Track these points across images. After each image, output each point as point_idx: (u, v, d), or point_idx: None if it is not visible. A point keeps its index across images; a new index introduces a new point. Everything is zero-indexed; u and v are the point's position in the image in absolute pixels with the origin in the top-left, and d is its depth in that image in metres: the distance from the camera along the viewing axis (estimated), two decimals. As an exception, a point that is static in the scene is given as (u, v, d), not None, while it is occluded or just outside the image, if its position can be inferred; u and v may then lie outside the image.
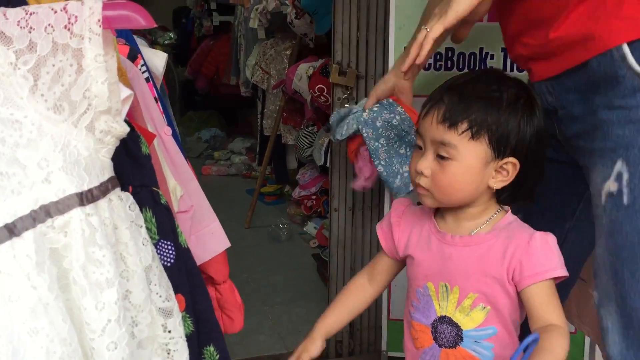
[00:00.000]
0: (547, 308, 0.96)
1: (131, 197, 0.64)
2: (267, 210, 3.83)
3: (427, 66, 1.87)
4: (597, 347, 2.14)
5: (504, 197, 1.03)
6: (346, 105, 1.99)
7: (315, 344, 1.11)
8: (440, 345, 1.06)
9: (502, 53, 1.84)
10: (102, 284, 0.57)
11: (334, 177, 2.17)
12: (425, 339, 1.08)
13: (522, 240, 1.00)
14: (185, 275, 0.73)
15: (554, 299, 0.98)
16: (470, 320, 1.03)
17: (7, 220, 0.53)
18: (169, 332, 0.66)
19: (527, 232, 1.02)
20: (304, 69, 3.09)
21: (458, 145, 0.96)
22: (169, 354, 0.66)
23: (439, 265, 1.05)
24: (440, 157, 0.97)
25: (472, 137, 0.95)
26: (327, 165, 2.80)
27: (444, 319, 1.06)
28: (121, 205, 0.62)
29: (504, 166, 0.98)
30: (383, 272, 1.16)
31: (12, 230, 0.53)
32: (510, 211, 1.06)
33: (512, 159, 0.98)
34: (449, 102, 0.96)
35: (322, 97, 2.93)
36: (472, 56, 1.87)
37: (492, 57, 1.86)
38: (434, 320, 1.06)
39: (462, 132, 0.95)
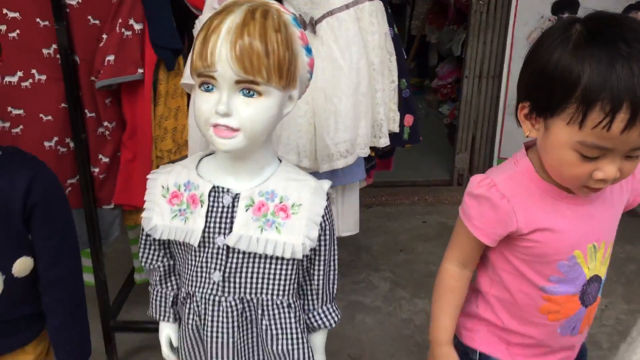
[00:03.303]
0: None
1: (382, 5, 1.55)
2: (409, 98, 4.67)
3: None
4: None
5: None
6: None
7: (453, 354, 1.02)
8: (586, 306, 0.98)
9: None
10: (369, 31, 1.49)
11: (467, 49, 2.95)
12: (570, 308, 0.97)
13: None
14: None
15: None
16: (605, 266, 0.98)
17: (347, 2, 1.46)
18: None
19: None
20: (451, -25, 3.79)
21: None
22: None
23: (583, 229, 0.93)
24: (628, 157, 0.83)
25: None
26: (463, 56, 3.55)
27: (592, 278, 0.96)
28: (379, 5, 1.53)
29: None
30: (475, 257, 1.01)
31: (347, 6, 1.46)
32: None
33: None
34: None
35: (463, -2, 3.64)
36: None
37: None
38: (584, 284, 0.96)
39: None
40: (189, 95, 1.53)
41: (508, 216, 0.91)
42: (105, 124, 1.59)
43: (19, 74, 1.50)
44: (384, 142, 1.56)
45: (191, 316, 1.12)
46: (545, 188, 0.92)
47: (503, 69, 2.88)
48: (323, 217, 1.08)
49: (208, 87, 0.98)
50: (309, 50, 1.04)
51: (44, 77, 1.53)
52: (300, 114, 1.46)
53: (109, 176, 1.64)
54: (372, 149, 1.59)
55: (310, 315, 1.17)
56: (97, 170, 1.62)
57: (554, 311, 0.97)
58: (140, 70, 1.51)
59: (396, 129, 1.61)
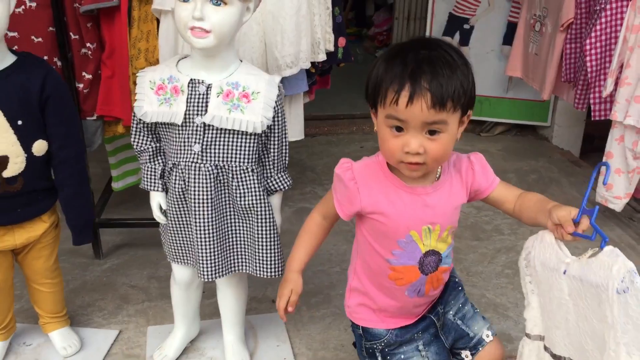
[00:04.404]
0: (511, 191, 1.23)
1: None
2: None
3: None
4: (557, 107, 3.26)
5: None
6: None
7: (299, 281, 1.26)
8: (426, 274, 1.21)
9: None
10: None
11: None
12: (411, 276, 1.21)
13: (466, 166, 1.20)
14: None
15: (509, 185, 1.24)
16: (445, 244, 1.21)
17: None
18: None
19: (464, 158, 1.22)
20: None
21: (447, 120, 1.04)
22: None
23: (418, 214, 1.15)
24: (430, 133, 1.05)
25: (455, 109, 1.04)
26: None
27: (429, 252, 1.19)
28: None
29: (464, 119, 1.10)
30: (334, 215, 1.26)
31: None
32: None
33: (470, 111, 1.10)
34: (430, 88, 1.01)
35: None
36: None
37: None
38: (420, 257, 1.19)
39: (450, 109, 1.03)
40: (158, 21, 1.82)
41: (354, 196, 1.15)
42: (88, 45, 1.87)
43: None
44: (322, 57, 1.92)
45: (177, 182, 1.47)
46: (390, 178, 1.16)
47: (427, 11, 3.27)
48: (276, 102, 1.44)
49: (186, -2, 1.32)
50: (261, -29, 1.39)
51: (34, 4, 1.79)
52: (253, 33, 1.79)
53: (92, 91, 1.93)
54: (313, 65, 1.95)
55: (269, 180, 1.54)
56: (81, 85, 1.91)
57: (399, 278, 1.21)
58: (117, -2, 1.79)
59: (331, 48, 1.97)
